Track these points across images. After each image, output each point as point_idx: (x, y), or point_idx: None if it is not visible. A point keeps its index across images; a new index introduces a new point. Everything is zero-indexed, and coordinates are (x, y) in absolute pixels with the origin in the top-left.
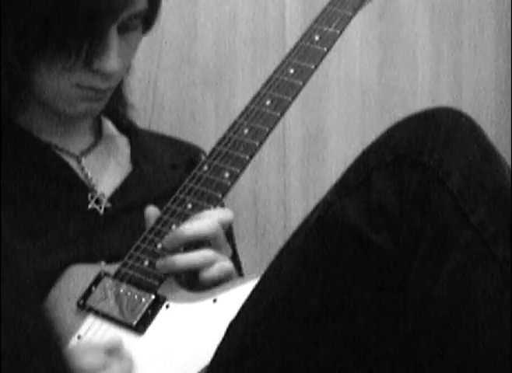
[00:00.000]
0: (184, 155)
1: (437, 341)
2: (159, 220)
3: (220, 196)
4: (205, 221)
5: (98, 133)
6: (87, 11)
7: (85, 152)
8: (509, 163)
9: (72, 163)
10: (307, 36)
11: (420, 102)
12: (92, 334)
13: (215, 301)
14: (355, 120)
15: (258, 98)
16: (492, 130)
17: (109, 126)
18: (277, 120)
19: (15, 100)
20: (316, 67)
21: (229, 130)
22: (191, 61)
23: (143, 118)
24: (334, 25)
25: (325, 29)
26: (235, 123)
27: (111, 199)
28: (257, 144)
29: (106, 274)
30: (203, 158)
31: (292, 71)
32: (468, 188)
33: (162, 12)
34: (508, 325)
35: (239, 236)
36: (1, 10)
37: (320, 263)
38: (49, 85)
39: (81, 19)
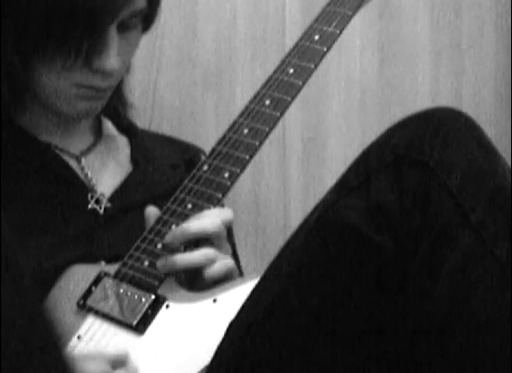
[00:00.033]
0: (184, 155)
1: (437, 341)
2: (159, 220)
3: (220, 196)
4: (209, 219)
5: (98, 133)
6: (87, 10)
7: (85, 152)
8: (509, 163)
9: (72, 163)
10: (307, 35)
11: (420, 102)
12: (92, 334)
13: (215, 301)
14: (355, 120)
15: (258, 98)
16: (492, 130)
17: (109, 126)
18: (277, 120)
19: (15, 100)
20: (316, 66)
21: (229, 130)
22: (191, 60)
23: (143, 118)
24: (334, 24)
25: (325, 28)
26: (235, 123)
27: (111, 199)
28: (257, 144)
29: (107, 274)
30: (203, 158)
31: (291, 70)
32: (467, 188)
33: (162, 12)
34: (508, 325)
35: (239, 236)
36: (1, 10)
37: (320, 263)
38: (49, 85)
39: (80, 18)
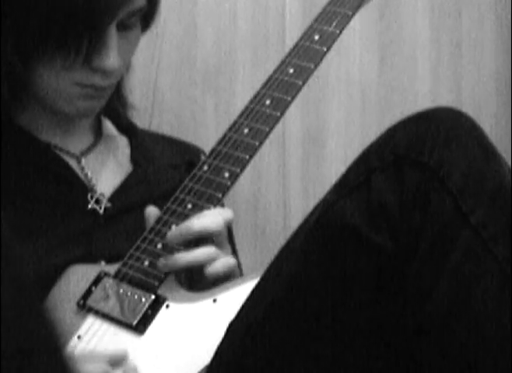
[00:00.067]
0: (184, 155)
1: (437, 341)
2: (159, 220)
3: (220, 196)
4: (210, 218)
5: (98, 133)
6: (86, 9)
7: (85, 152)
8: (509, 163)
9: (72, 163)
10: (307, 35)
11: (420, 102)
12: (92, 334)
13: (215, 301)
14: (355, 120)
15: (258, 97)
16: (492, 130)
17: (109, 126)
18: (277, 120)
19: (15, 100)
20: (316, 66)
21: (229, 130)
22: (191, 61)
23: (143, 118)
24: (334, 24)
25: (325, 28)
26: (235, 122)
27: (111, 199)
28: (257, 143)
29: (107, 274)
30: (203, 158)
31: (291, 70)
32: (467, 188)
33: (162, 12)
34: (508, 324)
35: (239, 236)
36: (1, 10)
37: (320, 263)
38: (49, 84)
39: (80, 17)
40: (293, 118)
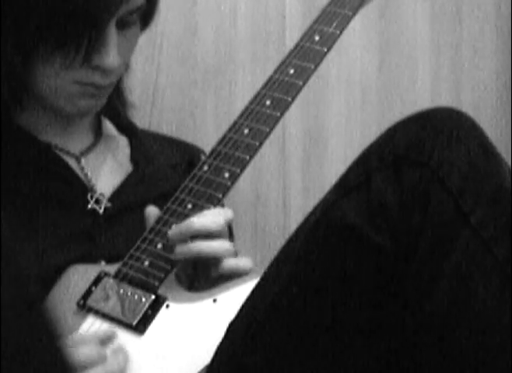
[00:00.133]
0: (184, 155)
1: (437, 341)
2: (159, 220)
3: (220, 196)
4: (210, 217)
5: (98, 133)
6: (85, 7)
7: (85, 152)
8: (509, 163)
9: (72, 163)
10: (307, 36)
11: (420, 102)
12: None
13: (215, 301)
14: (355, 120)
15: (258, 98)
16: (492, 130)
17: (109, 126)
18: (277, 120)
19: (15, 100)
20: (316, 67)
21: (229, 131)
22: (191, 60)
23: (143, 118)
24: (334, 25)
25: (325, 29)
26: (235, 123)
27: (111, 199)
28: (257, 144)
29: (107, 274)
30: (203, 158)
31: (292, 71)
32: (467, 188)
33: (162, 12)
34: (508, 325)
35: (239, 236)
36: (1, 10)
37: (320, 263)
38: (49, 83)
39: (79, 16)
40: (293, 118)
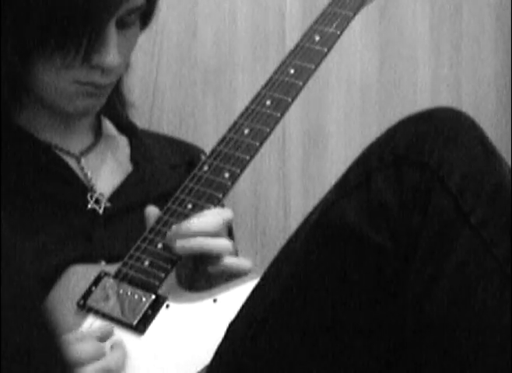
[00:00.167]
0: (184, 155)
1: (437, 341)
2: (159, 220)
3: (220, 196)
4: (210, 218)
5: (98, 133)
6: (85, 7)
7: (85, 152)
8: (509, 163)
9: (72, 163)
10: (308, 36)
11: (420, 102)
12: None
13: (215, 301)
14: (355, 120)
15: (258, 98)
16: (492, 130)
17: (109, 126)
18: (277, 121)
19: (15, 100)
20: (316, 67)
21: (229, 131)
22: (191, 60)
23: (143, 118)
24: (334, 25)
25: (326, 29)
26: (235, 123)
27: (111, 199)
28: (257, 144)
29: (107, 274)
30: (203, 158)
31: (292, 71)
32: (467, 188)
33: (162, 12)
34: (508, 324)
35: (239, 236)
36: (1, 10)
37: (320, 263)
38: (49, 83)
39: (79, 15)
40: (293, 118)
